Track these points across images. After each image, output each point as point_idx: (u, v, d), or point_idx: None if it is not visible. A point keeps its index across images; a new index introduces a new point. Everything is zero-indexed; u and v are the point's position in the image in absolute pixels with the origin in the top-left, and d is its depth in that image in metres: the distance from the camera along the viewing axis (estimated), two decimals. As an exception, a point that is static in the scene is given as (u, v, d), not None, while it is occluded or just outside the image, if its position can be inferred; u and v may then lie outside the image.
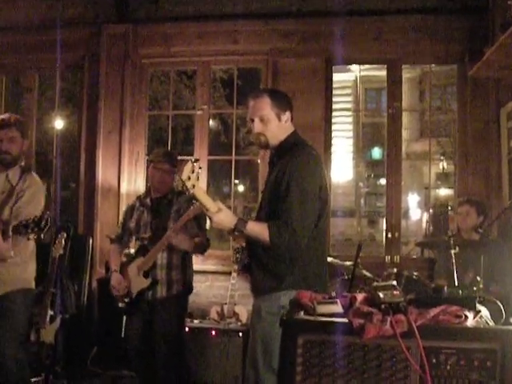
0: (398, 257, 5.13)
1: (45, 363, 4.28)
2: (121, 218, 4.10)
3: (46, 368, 4.29)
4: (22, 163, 3.52)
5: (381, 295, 1.81)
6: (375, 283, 1.95)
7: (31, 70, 5.97)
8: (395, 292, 1.83)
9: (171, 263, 3.74)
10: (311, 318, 1.82)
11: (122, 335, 3.85)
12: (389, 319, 1.73)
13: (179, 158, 4.22)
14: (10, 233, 3.07)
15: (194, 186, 2.42)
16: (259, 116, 2.71)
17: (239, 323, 4.75)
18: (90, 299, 5.26)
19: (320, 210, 2.67)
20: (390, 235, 5.16)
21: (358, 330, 1.74)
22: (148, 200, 3.90)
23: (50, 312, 4.45)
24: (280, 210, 2.57)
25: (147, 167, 3.89)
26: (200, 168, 2.46)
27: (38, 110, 6.48)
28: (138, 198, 4.02)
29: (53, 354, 4.39)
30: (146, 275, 3.72)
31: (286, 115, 2.77)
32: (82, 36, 5.76)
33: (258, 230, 2.55)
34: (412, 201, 17.22)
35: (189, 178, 2.40)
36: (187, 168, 2.40)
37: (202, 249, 3.84)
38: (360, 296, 1.87)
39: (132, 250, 4.05)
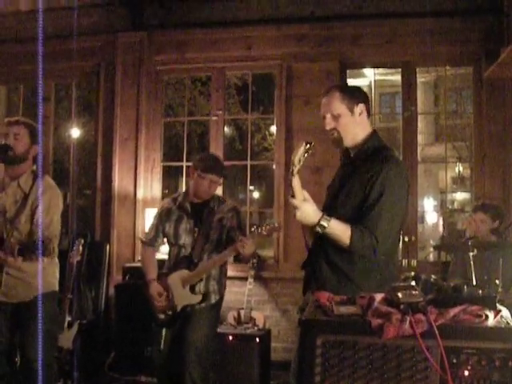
0: (415, 261, 5.09)
1: (63, 368, 4.31)
2: (154, 220, 3.85)
3: (64, 373, 4.32)
4: (34, 167, 3.46)
5: (400, 295, 1.80)
6: (393, 284, 1.92)
7: (48, 79, 6.03)
8: (414, 292, 1.82)
9: (210, 274, 3.66)
10: (330, 318, 1.81)
11: (161, 347, 3.74)
12: (408, 319, 1.72)
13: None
14: (16, 253, 3.05)
15: (298, 171, 2.32)
16: (330, 112, 2.62)
17: (256, 328, 4.75)
18: (108, 305, 5.29)
19: (403, 219, 2.62)
20: (406, 239, 5.12)
21: (377, 330, 1.73)
22: (187, 204, 3.71)
23: (68, 318, 4.48)
24: (366, 217, 2.48)
25: (192, 173, 3.69)
26: (312, 151, 2.32)
27: (54, 118, 6.55)
28: (174, 200, 3.80)
29: (71, 359, 4.42)
30: (192, 290, 3.61)
31: (359, 107, 2.64)
32: (98, 45, 5.83)
33: (341, 230, 2.45)
34: (428, 205, 17.10)
35: (299, 162, 2.31)
36: (301, 151, 2.30)
37: (253, 258, 3.75)
38: (379, 296, 1.86)
39: (165, 256, 3.98)
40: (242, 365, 4.51)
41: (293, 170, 2.33)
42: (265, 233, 3.48)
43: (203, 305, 3.63)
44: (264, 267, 5.29)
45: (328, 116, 2.64)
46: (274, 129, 6.42)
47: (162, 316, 3.68)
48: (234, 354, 4.54)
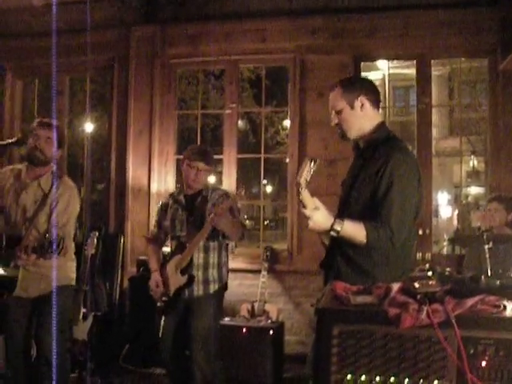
0: (430, 254, 5.06)
1: (78, 359, 4.34)
2: (155, 217, 4.03)
3: (79, 364, 4.36)
4: (54, 169, 3.52)
5: (416, 285, 1.79)
6: (410, 274, 1.92)
7: (62, 73, 6.05)
8: (431, 282, 1.81)
9: (208, 263, 3.72)
10: (346, 307, 1.81)
11: (160, 335, 3.81)
12: (425, 309, 1.71)
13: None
14: (30, 251, 3.09)
15: (305, 188, 2.37)
16: (333, 108, 2.64)
17: (269, 321, 4.75)
18: (122, 297, 5.32)
19: (417, 208, 2.60)
20: (420, 232, 5.10)
21: (394, 320, 1.72)
22: (182, 197, 3.84)
23: (83, 310, 4.52)
24: (378, 210, 2.48)
25: (182, 164, 3.82)
26: (316, 167, 2.37)
27: (68, 112, 6.59)
28: (171, 195, 3.96)
29: (86, 350, 4.45)
30: (182, 273, 3.69)
31: (360, 100, 2.63)
32: (111, 38, 5.84)
33: (355, 230, 2.45)
34: (442, 199, 16.99)
35: (305, 181, 2.35)
36: (306, 169, 2.34)
37: (240, 232, 3.76)
38: (395, 286, 1.85)
39: (169, 249, 4.05)
40: (255, 357, 4.53)
41: (299, 190, 2.37)
42: (231, 200, 3.56)
43: (201, 293, 3.69)
44: (277, 260, 5.29)
45: (333, 112, 2.67)
46: (287, 123, 6.42)
47: (159, 304, 3.78)
48: (248, 346, 4.55)
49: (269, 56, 5.52)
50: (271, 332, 4.55)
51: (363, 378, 1.77)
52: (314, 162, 2.34)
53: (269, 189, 14.91)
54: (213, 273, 3.73)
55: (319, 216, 2.41)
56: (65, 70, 6.01)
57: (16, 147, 3.66)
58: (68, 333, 3.62)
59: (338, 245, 2.61)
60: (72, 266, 3.57)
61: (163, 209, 3.92)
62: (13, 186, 3.44)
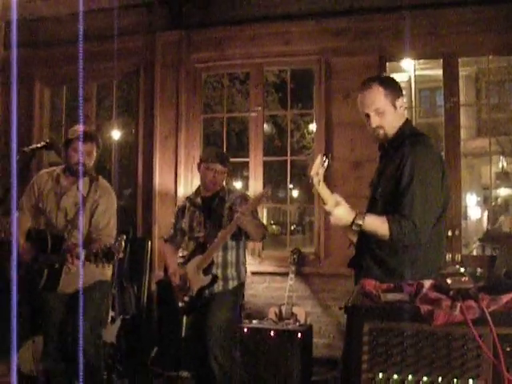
0: (459, 255, 4.98)
1: (107, 362, 4.37)
2: (172, 219, 4.13)
3: (108, 366, 4.39)
4: (90, 171, 3.64)
5: (449, 281, 1.75)
6: (442, 271, 1.88)
7: (89, 79, 6.13)
8: (464, 278, 1.77)
9: (226, 261, 3.79)
10: (377, 304, 1.78)
11: (182, 335, 3.86)
12: (459, 305, 1.67)
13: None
14: (82, 257, 3.18)
15: (319, 183, 2.37)
16: (374, 109, 2.58)
17: (297, 324, 4.72)
18: (150, 301, 5.34)
19: (444, 204, 2.57)
20: (450, 233, 5.02)
21: (426, 317, 1.69)
22: (199, 199, 3.92)
23: (111, 313, 4.56)
24: (401, 203, 2.46)
25: (199, 166, 3.88)
26: (328, 162, 2.40)
27: (96, 119, 6.66)
28: (188, 198, 4.06)
29: (114, 353, 4.49)
30: (205, 272, 3.75)
31: (400, 101, 2.62)
32: (137, 45, 5.90)
33: (377, 224, 2.45)
34: (470, 201, 16.73)
35: (317, 174, 2.35)
36: (317, 163, 2.36)
37: (262, 233, 3.82)
38: (427, 283, 1.82)
39: (185, 252, 4.07)
40: (283, 361, 4.49)
41: (312, 183, 2.35)
42: (257, 197, 3.66)
43: (221, 289, 3.75)
44: (305, 263, 5.26)
45: (372, 114, 2.59)
46: (312, 127, 6.39)
47: (180, 304, 3.87)
48: (276, 349, 4.52)
49: (294, 58, 5.49)
50: (299, 335, 4.51)
51: (395, 376, 1.75)
52: (326, 157, 2.35)
53: (295, 193, 14.87)
54: (232, 271, 3.82)
55: (340, 211, 2.42)
56: (92, 77, 6.08)
57: (45, 151, 3.72)
58: (101, 328, 3.70)
59: (366, 243, 2.59)
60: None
61: (180, 211, 4.02)
62: (52, 190, 3.56)
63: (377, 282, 1.93)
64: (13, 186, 3.41)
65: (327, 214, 2.46)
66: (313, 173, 2.35)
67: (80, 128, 3.57)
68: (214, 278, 3.74)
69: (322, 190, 2.41)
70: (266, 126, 7.88)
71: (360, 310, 1.78)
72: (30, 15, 6.05)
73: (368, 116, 2.63)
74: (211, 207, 3.85)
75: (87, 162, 3.50)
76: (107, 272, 3.68)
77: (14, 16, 6.44)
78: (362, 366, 1.77)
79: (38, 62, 6.18)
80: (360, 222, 2.42)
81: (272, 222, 15.24)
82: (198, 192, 3.98)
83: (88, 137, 3.49)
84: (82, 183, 3.54)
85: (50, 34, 6.23)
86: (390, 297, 1.79)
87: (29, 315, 4.34)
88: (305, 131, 11.65)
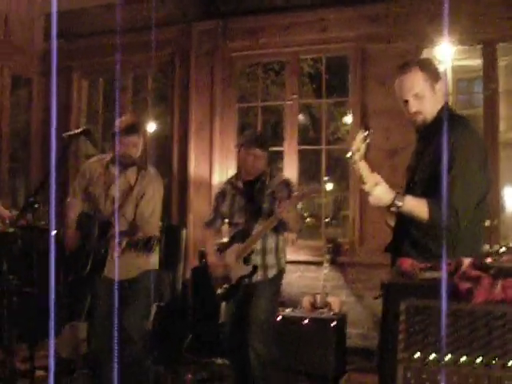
0: (498, 246, 4.87)
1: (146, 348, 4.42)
2: (212, 202, 4.06)
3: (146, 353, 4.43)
4: (138, 160, 3.67)
5: (489, 260, 1.72)
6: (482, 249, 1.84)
7: (125, 70, 6.20)
8: (505, 257, 1.73)
9: (266, 248, 3.72)
10: (414, 281, 1.75)
11: (220, 321, 3.86)
12: (500, 283, 1.63)
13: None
14: (124, 245, 3.26)
15: (360, 158, 2.31)
16: (414, 94, 2.51)
17: (331, 313, 4.70)
18: (184, 289, 5.38)
19: (485, 188, 2.51)
20: (488, 223, 4.90)
21: (465, 295, 1.66)
22: (240, 183, 3.82)
23: (147, 299, 4.60)
24: (441, 186, 2.36)
25: (238, 150, 3.82)
26: (370, 135, 2.33)
27: (132, 109, 6.73)
28: (229, 181, 3.95)
29: (150, 339, 4.53)
30: (245, 261, 3.70)
31: (439, 85, 2.54)
32: (172, 35, 5.94)
33: (417, 206, 2.40)
34: (508, 193, 16.28)
35: (358, 150, 2.31)
36: (359, 138, 2.31)
37: (300, 226, 3.85)
38: (466, 261, 1.78)
39: (224, 239, 4.08)
40: (317, 349, 4.48)
41: (353, 159, 2.30)
42: (303, 193, 3.54)
43: (260, 278, 3.69)
44: (340, 252, 5.23)
45: (411, 98, 2.53)
46: (348, 119, 6.34)
47: (219, 290, 3.80)
48: (310, 338, 4.51)
49: (329, 46, 5.45)
50: (333, 324, 4.49)
51: (432, 356, 1.72)
52: (367, 131, 2.28)
53: (329, 186, 14.76)
54: (271, 258, 3.74)
55: (379, 191, 2.35)
56: (128, 68, 6.15)
57: (83, 141, 3.78)
58: (148, 317, 3.76)
59: (404, 227, 2.54)
60: (156, 252, 3.68)
61: (221, 195, 3.92)
62: (101, 177, 3.62)
63: (414, 261, 1.89)
64: (52, 172, 3.49)
65: (366, 193, 2.40)
66: (354, 148, 2.29)
67: (125, 120, 3.59)
68: (255, 269, 3.68)
69: (363, 167, 2.34)
70: (300, 116, 7.84)
71: (397, 288, 1.75)
72: (68, 7, 6.14)
73: (406, 101, 2.57)
74: (252, 192, 3.76)
75: (133, 153, 3.52)
76: (155, 261, 3.71)
77: (54, 8, 6.57)
78: (398, 345, 1.75)
79: (76, 53, 6.28)
80: (399, 203, 2.36)
81: (306, 214, 15.18)
82: (239, 175, 3.87)
83: (133, 128, 3.51)
84: (130, 172, 3.58)
85: (87, 26, 6.33)
86: (428, 275, 1.76)
87: (69, 301, 4.43)
88: (339, 123, 11.56)
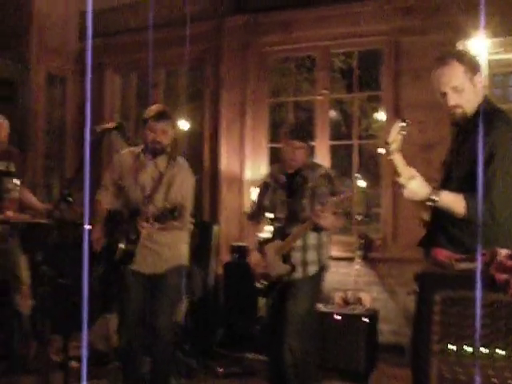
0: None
1: (175, 341, 4.45)
2: (256, 195, 3.98)
3: (175, 346, 4.46)
4: (168, 149, 3.66)
5: (527, 251, 1.67)
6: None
7: (158, 66, 6.25)
8: (542, 249, 1.68)
9: (307, 244, 3.63)
10: (449, 272, 1.71)
11: (257, 316, 3.84)
12: (537, 274, 1.59)
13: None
14: (151, 220, 3.24)
15: (395, 151, 2.28)
16: (452, 87, 2.45)
17: (363, 309, 4.66)
18: (216, 284, 5.40)
19: None
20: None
21: (502, 286, 1.62)
22: (282, 176, 3.75)
23: (179, 294, 4.63)
24: (478, 183, 2.30)
25: (281, 143, 3.75)
26: (405, 131, 2.29)
27: (164, 104, 6.77)
28: (271, 174, 3.87)
29: (182, 333, 4.56)
30: (284, 260, 3.63)
31: (478, 77, 2.48)
32: (204, 30, 5.96)
33: (453, 201, 2.34)
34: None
35: (394, 141, 2.27)
36: (395, 129, 2.28)
37: (341, 223, 3.70)
38: (502, 252, 1.73)
39: (265, 234, 4.05)
40: (348, 345, 4.44)
41: (388, 150, 2.26)
42: (337, 200, 3.43)
43: (300, 276, 3.61)
44: (371, 248, 5.18)
45: (450, 92, 2.47)
46: (380, 115, 6.27)
47: (258, 285, 3.75)
48: (341, 333, 4.47)
49: (361, 39, 5.38)
50: (365, 319, 4.45)
51: (467, 349, 1.68)
52: (403, 123, 2.23)
53: (361, 183, 14.66)
54: (312, 254, 3.64)
55: (414, 184, 2.29)
56: (160, 63, 6.20)
57: (115, 134, 3.79)
58: (176, 312, 3.76)
59: (439, 222, 2.49)
60: (186, 246, 3.69)
61: (264, 188, 3.85)
62: (132, 167, 3.63)
63: (448, 252, 1.85)
64: (85, 166, 3.53)
65: (400, 187, 2.35)
66: (390, 140, 2.24)
67: (155, 107, 3.62)
68: (293, 268, 3.60)
69: (398, 159, 2.30)
70: (332, 112, 7.78)
71: (431, 279, 1.72)
72: (101, 5, 6.21)
73: (445, 94, 2.51)
74: (293, 186, 3.69)
75: (163, 140, 3.52)
76: (184, 254, 3.68)
77: (89, 6, 6.67)
78: (432, 336, 1.72)
79: (109, 50, 6.36)
80: (435, 198, 2.31)
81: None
82: (282, 168, 3.79)
83: (163, 115, 3.53)
84: (160, 160, 3.59)
85: (120, 23, 6.40)
86: (463, 265, 1.72)
87: (101, 293, 4.48)
88: (372, 119, 11.43)
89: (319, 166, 3.82)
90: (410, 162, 2.34)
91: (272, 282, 3.68)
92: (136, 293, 3.57)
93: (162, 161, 3.58)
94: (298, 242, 3.61)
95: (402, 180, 2.30)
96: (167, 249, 3.52)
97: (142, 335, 3.63)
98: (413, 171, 2.32)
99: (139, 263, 3.51)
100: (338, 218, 3.54)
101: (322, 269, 3.73)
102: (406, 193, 2.32)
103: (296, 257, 3.62)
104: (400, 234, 5.05)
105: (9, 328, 4.07)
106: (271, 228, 3.87)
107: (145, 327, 3.61)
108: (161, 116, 3.52)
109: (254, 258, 3.76)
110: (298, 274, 3.62)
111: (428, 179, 2.44)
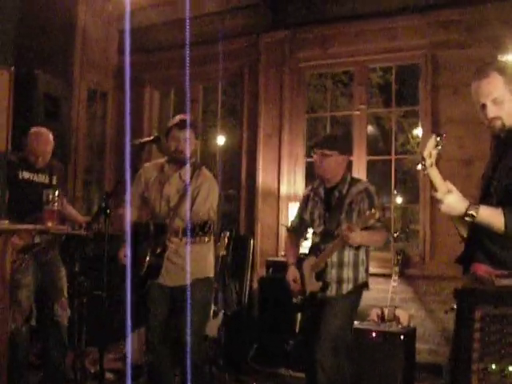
0: None
1: (208, 355, 4.44)
2: (298, 208, 3.93)
3: (209, 360, 4.45)
4: (193, 160, 3.65)
5: None
6: None
7: (196, 82, 6.32)
8: None
9: (342, 261, 3.56)
10: (490, 288, 1.66)
11: (297, 330, 3.82)
12: None
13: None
14: (181, 235, 3.25)
15: (431, 165, 2.22)
16: (492, 99, 2.40)
17: (400, 326, 4.57)
18: (251, 298, 5.39)
19: None
20: None
21: (545, 303, 1.57)
22: (321, 190, 3.70)
23: (214, 307, 4.62)
24: None
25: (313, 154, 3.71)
26: (442, 143, 2.22)
27: (202, 121, 6.85)
28: (312, 187, 3.82)
29: (216, 347, 4.55)
30: (317, 277, 3.59)
31: None
32: (241, 46, 6.02)
33: (491, 215, 2.28)
34: None
35: (430, 155, 2.21)
36: (431, 143, 2.26)
37: (383, 239, 3.60)
38: (547, 268, 1.68)
39: (305, 250, 4.01)
40: (385, 363, 4.35)
41: (424, 165, 2.21)
42: (363, 218, 3.37)
43: (334, 293, 3.55)
44: (409, 264, 5.09)
45: (489, 104, 2.42)
46: (417, 131, 6.20)
47: (294, 300, 3.72)
48: (377, 351, 4.39)
49: (399, 54, 5.34)
50: (402, 337, 4.35)
51: (510, 368, 1.62)
52: (441, 137, 2.18)
53: (399, 200, 14.47)
54: (348, 272, 3.56)
55: (452, 199, 2.23)
56: (198, 79, 6.27)
57: (153, 145, 3.83)
58: (203, 326, 3.69)
59: (478, 238, 2.43)
60: (211, 259, 3.65)
61: (304, 201, 3.82)
62: (157, 179, 3.63)
63: (489, 268, 1.80)
64: (126, 179, 3.57)
65: (438, 202, 2.30)
66: (425, 154, 2.20)
67: (178, 116, 3.63)
68: (325, 286, 3.55)
69: (434, 173, 2.24)
70: (370, 128, 7.74)
71: (472, 294, 1.67)
72: (140, 23, 6.34)
73: (484, 106, 2.47)
74: (331, 201, 3.64)
75: (185, 149, 3.48)
76: (210, 268, 3.64)
77: (127, 24, 6.82)
78: (472, 355, 1.67)
79: (148, 66, 6.47)
80: (474, 213, 2.24)
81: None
82: (321, 182, 3.74)
83: (185, 123, 3.52)
84: (185, 171, 3.55)
85: (159, 40, 6.51)
86: (505, 282, 1.67)
87: (134, 306, 4.50)
88: (409, 135, 11.34)
89: (358, 180, 3.76)
90: (450, 177, 2.30)
91: (307, 298, 3.65)
92: (161, 306, 3.55)
93: (186, 171, 3.54)
94: (334, 259, 3.55)
95: (438, 195, 2.25)
96: (192, 262, 3.43)
97: (170, 350, 3.60)
98: (450, 185, 2.27)
99: (164, 276, 3.48)
100: (371, 234, 3.46)
101: (360, 287, 3.64)
102: (443, 208, 2.26)
103: (331, 274, 3.56)
104: (438, 250, 4.95)
105: (47, 338, 4.12)
106: (308, 243, 3.86)
107: (172, 342, 3.60)
108: (183, 124, 3.50)
109: (291, 273, 3.70)
110: (332, 291, 3.56)
111: (468, 195, 2.38)
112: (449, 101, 5.00)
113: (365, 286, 3.68)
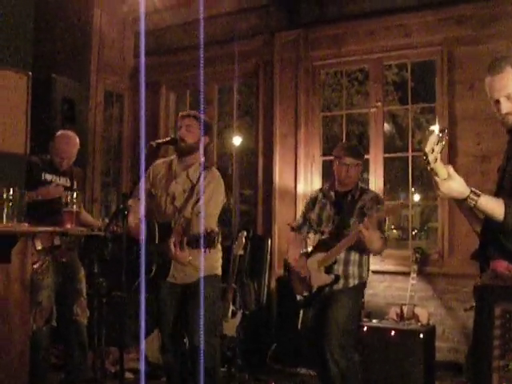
0: None
1: (227, 355, 4.46)
2: (302, 208, 4.09)
3: (227, 360, 4.47)
4: (202, 159, 3.61)
5: None
6: None
7: (211, 82, 6.34)
8: None
9: (349, 259, 3.71)
10: (510, 284, 1.65)
11: (299, 327, 3.86)
12: None
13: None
14: (185, 245, 3.21)
15: (435, 161, 2.17)
16: (506, 94, 2.38)
17: (419, 324, 4.55)
18: (269, 298, 5.39)
19: None
20: None
21: None
22: (332, 193, 3.85)
23: (232, 307, 4.65)
24: None
25: (334, 162, 3.85)
26: (445, 139, 2.17)
27: (218, 122, 6.87)
28: (321, 190, 3.99)
29: (234, 347, 4.56)
30: (327, 271, 3.69)
31: None
32: (255, 46, 6.03)
33: (492, 204, 2.26)
34: None
35: (432, 151, 2.17)
36: (432, 139, 2.26)
37: (382, 249, 3.73)
38: None
39: (309, 248, 4.05)
40: (404, 361, 4.33)
41: (428, 161, 2.19)
42: (382, 212, 3.51)
43: (341, 287, 3.67)
44: (428, 262, 5.06)
45: (503, 99, 2.39)
46: (434, 127, 6.16)
47: (299, 297, 3.83)
48: (397, 349, 4.37)
49: (414, 51, 5.31)
50: (421, 335, 4.33)
51: (531, 365, 1.61)
52: (443, 133, 2.16)
53: (416, 198, 14.40)
54: (353, 269, 3.73)
55: (452, 183, 2.20)
56: (213, 79, 6.28)
57: (170, 146, 3.83)
58: (216, 323, 3.66)
59: (491, 233, 2.41)
60: (218, 256, 3.62)
61: (311, 202, 3.96)
62: (164, 177, 3.61)
63: (509, 264, 1.79)
64: (141, 180, 3.59)
65: (436, 185, 2.27)
66: (427, 149, 2.18)
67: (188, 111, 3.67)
68: (337, 278, 3.67)
69: (438, 168, 2.24)
70: (386, 125, 7.71)
71: (492, 291, 1.66)
72: (156, 25, 6.38)
73: (498, 101, 2.45)
74: (342, 204, 3.79)
75: (188, 138, 3.48)
76: (216, 265, 3.61)
77: (142, 27, 6.87)
78: (493, 352, 1.66)
79: (163, 68, 6.50)
80: (475, 198, 2.22)
81: (393, 226, 14.86)
82: (333, 185, 3.89)
83: (186, 114, 3.55)
84: (192, 170, 3.54)
85: (174, 41, 6.54)
86: (525, 278, 1.66)
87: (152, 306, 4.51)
88: (426, 132, 11.30)
89: (368, 189, 3.98)
90: (467, 173, 2.29)
91: (313, 293, 3.74)
92: (171, 306, 3.54)
93: (194, 170, 3.54)
94: (341, 256, 3.69)
95: (437, 179, 2.22)
96: (198, 260, 3.35)
97: (181, 349, 3.60)
98: (450, 169, 2.25)
99: (173, 275, 3.46)
100: (379, 239, 3.58)
101: (363, 284, 3.82)
102: (442, 190, 2.24)
103: (338, 269, 3.70)
104: (457, 248, 4.92)
105: (67, 338, 4.16)
106: (310, 242, 3.95)
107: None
108: (186, 114, 3.56)
109: (293, 267, 3.82)
110: (339, 285, 3.69)
111: (484, 191, 2.36)
112: (465, 97, 4.96)
113: (366, 284, 3.87)
